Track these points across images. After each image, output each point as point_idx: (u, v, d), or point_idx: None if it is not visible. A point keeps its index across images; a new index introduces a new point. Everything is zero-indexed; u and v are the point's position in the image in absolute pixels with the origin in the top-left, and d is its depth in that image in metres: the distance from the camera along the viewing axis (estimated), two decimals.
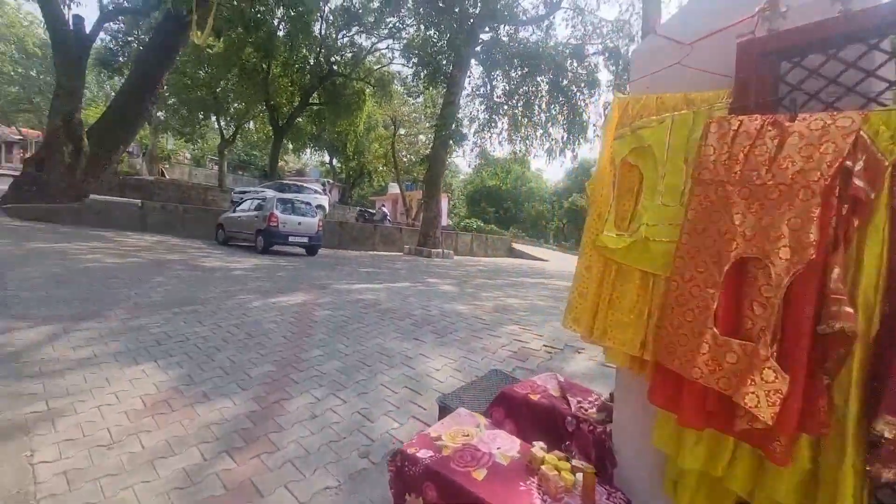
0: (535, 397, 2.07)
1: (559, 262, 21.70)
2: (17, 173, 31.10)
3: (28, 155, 43.95)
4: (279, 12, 18.39)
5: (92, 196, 12.63)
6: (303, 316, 4.76)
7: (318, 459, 2.33)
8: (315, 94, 25.84)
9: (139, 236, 11.04)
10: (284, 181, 23.24)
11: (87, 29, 12.39)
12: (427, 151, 37.55)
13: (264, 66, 22.68)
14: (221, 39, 17.40)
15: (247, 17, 15.43)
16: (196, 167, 44.41)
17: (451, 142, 18.16)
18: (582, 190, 49.12)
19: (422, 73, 21.40)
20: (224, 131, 31.80)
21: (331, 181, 33.21)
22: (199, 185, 28.09)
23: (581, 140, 18.14)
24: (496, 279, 10.06)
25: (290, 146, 35.61)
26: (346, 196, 39.24)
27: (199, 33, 11.74)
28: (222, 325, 4.28)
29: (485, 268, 13.99)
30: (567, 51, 17.45)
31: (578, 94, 17.98)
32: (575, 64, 17.78)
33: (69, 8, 12.02)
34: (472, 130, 20.03)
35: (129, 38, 18.13)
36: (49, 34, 11.99)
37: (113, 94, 34.39)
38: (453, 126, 17.52)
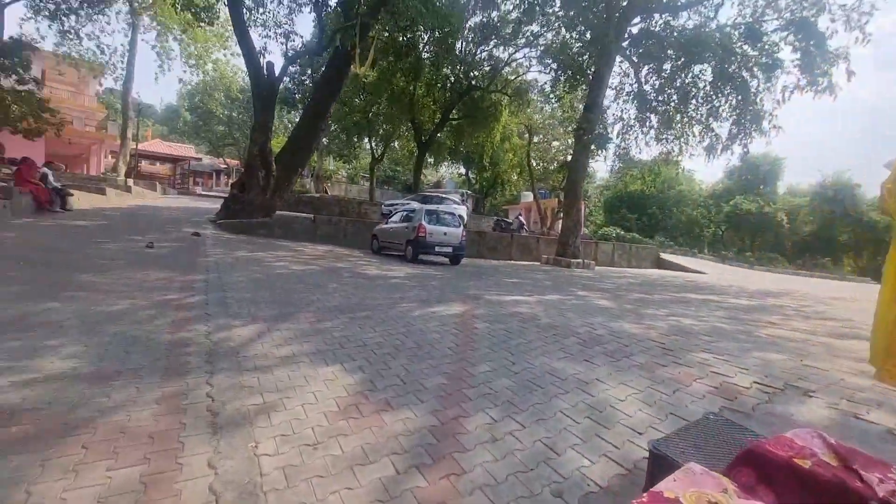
0: (803, 463, 1.58)
1: (721, 275, 18.79)
2: (225, 194, 38.54)
3: (233, 180, 54.95)
4: (425, 37, 19.63)
5: (278, 212, 14.97)
6: (463, 327, 4.76)
7: (509, 491, 2.16)
8: (454, 110, 27.00)
9: (312, 246, 12.67)
10: (426, 193, 24.64)
11: (276, 72, 14.82)
12: (563, 157, 36.28)
13: (411, 88, 24.48)
14: (375, 68, 19.20)
15: (398, 45, 16.78)
16: (351, 184, 50.32)
17: (592, 146, 17.14)
18: (747, 191, 42.16)
19: (561, 78, 20.75)
20: (374, 151, 35.21)
21: (468, 192, 34.23)
22: (354, 200, 31.47)
23: (754, 133, 15.48)
24: (654, 294, 9.00)
25: (431, 160, 37.85)
26: (480, 206, 40.06)
27: (360, 65, 13.11)
28: (392, 332, 4.49)
29: (634, 280, 12.75)
30: (737, 32, 15.12)
31: (751, 79, 15.40)
32: (746, 47, 15.31)
33: (263, 57, 14.54)
34: (616, 132, 18.65)
35: (303, 78, 21.20)
36: (250, 80, 14.69)
37: (290, 125, 40.84)
38: (596, 129, 16.52)
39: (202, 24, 14.70)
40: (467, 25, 22.70)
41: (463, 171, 45.36)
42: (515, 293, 7.38)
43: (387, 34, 17.82)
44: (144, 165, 42.85)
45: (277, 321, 4.65)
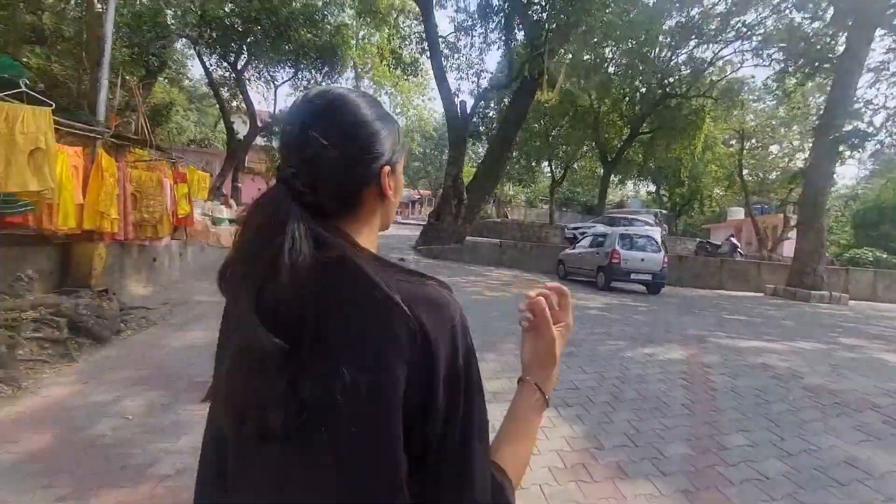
0: None
1: None
2: (422, 223, 42.83)
3: (426, 209, 61.80)
4: (616, 50, 18.62)
5: (467, 237, 15.93)
6: (694, 378, 3.99)
7: None
8: (645, 123, 24.80)
9: (499, 270, 12.98)
10: (613, 215, 23.00)
11: (468, 110, 16.00)
12: (787, 164, 29.50)
13: (595, 106, 23.49)
14: (555, 90, 18.96)
15: (587, 65, 16.29)
16: (529, 207, 50.98)
17: (841, 146, 13.38)
18: None
19: (790, 68, 17.04)
20: (554, 173, 34.86)
21: (661, 211, 30.82)
22: (535, 223, 31.55)
23: None
24: None
25: (616, 179, 35.53)
26: (672, 225, 35.49)
27: (547, 91, 13.11)
28: (605, 375, 4.04)
29: None
30: None
31: None
32: None
33: (457, 97, 15.88)
34: (880, 125, 14.21)
35: (488, 111, 22.27)
36: (446, 119, 16.21)
37: (474, 156, 43.71)
38: (848, 124, 12.88)
39: (408, 78, 16.94)
40: (664, 29, 20.75)
41: (653, 188, 41.13)
42: (751, 336, 6.01)
43: (570, 56, 17.56)
44: None
45: (481, 350, 4.68)
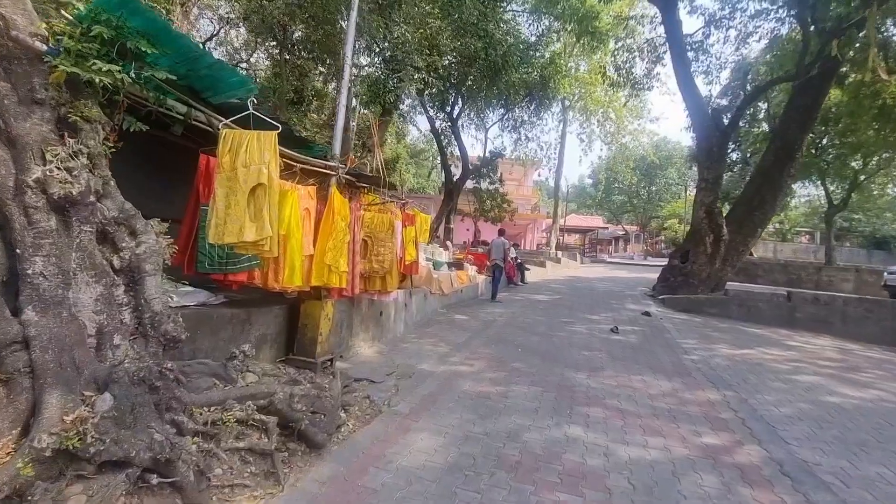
0: None
1: None
2: (629, 262, 37.97)
3: (632, 246, 55.39)
4: None
5: (728, 284, 11.95)
6: None
7: None
8: None
9: (799, 335, 8.83)
10: None
11: (725, 122, 12.38)
12: None
13: None
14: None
15: None
16: (781, 241, 39.79)
17: None
18: None
19: None
20: (830, 195, 26.00)
21: None
22: (802, 263, 23.70)
23: None
24: None
25: None
26: None
27: (880, 68, 8.78)
28: None
29: None
30: None
31: None
32: None
33: (710, 106, 12.45)
34: None
35: (746, 123, 17.57)
36: (695, 133, 12.88)
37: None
38: None
39: (637, 94, 14.35)
40: None
41: None
42: None
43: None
44: (562, 237, 49.31)
45: None
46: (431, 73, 9.58)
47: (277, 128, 3.04)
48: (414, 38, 7.31)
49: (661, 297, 11.78)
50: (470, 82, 18.02)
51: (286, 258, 3.35)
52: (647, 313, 9.65)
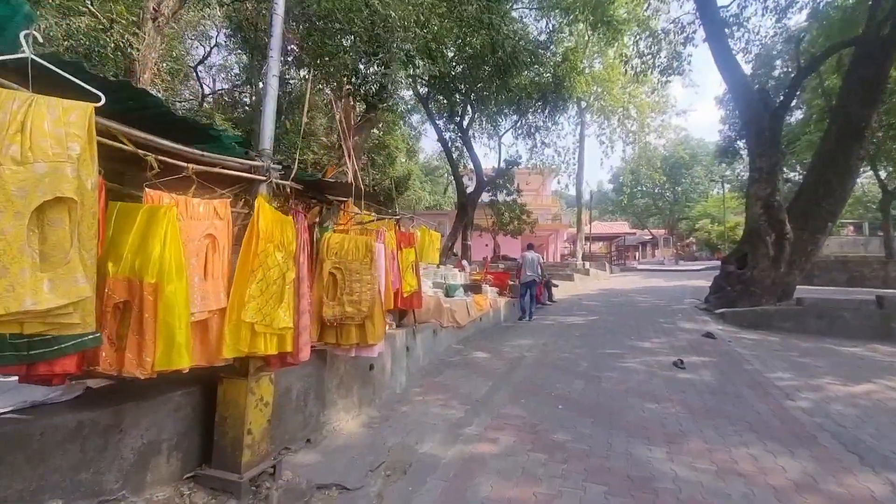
0: None
1: None
2: (660, 267, 35.64)
3: (660, 250, 52.60)
4: None
5: (797, 291, 10.05)
6: None
7: None
8: None
9: None
10: None
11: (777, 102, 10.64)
12: None
13: None
14: None
15: None
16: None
17: None
18: None
19: None
20: (884, 181, 23.46)
21: None
22: (868, 259, 21.19)
23: None
24: None
25: None
26: None
27: None
28: None
29: None
30: None
31: None
32: None
33: (757, 85, 10.74)
34: None
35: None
36: (742, 118, 11.14)
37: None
38: None
39: (667, 81, 12.74)
40: None
41: None
42: None
43: None
44: (587, 246, 47.13)
45: None
46: (427, 61, 8.37)
47: (98, 98, 1.66)
48: (400, 13, 5.97)
49: (718, 311, 9.94)
50: (479, 85, 16.82)
51: (158, 324, 1.95)
52: (709, 335, 7.88)
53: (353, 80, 6.64)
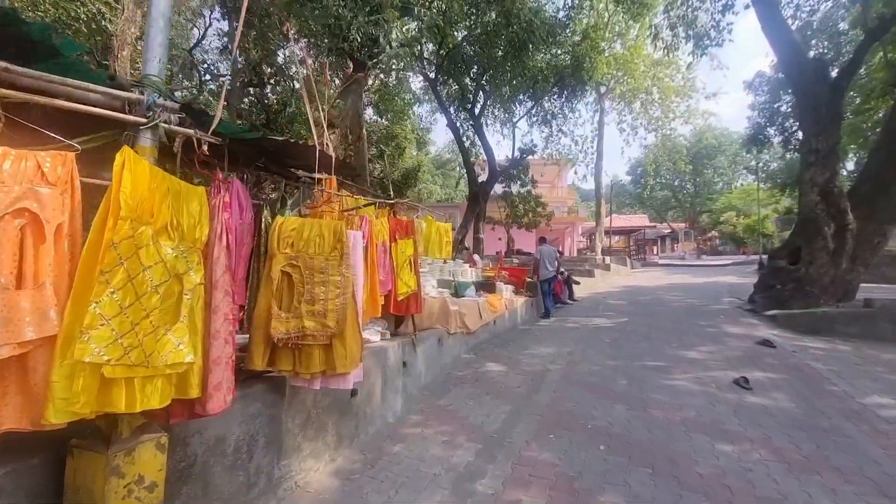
0: None
1: None
2: (679, 262, 33.93)
3: (683, 244, 50.59)
4: None
5: (861, 290, 8.73)
6: None
7: None
8: None
9: None
10: None
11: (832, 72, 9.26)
12: None
13: None
14: None
15: None
16: None
17: None
18: None
19: None
20: None
21: None
22: None
23: None
24: None
25: None
26: None
27: None
28: None
29: None
30: None
31: None
32: None
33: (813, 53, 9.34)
34: None
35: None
36: (793, 89, 9.77)
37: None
38: None
39: (704, 54, 11.35)
40: None
41: None
42: None
43: None
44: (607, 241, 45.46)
45: None
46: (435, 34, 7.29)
47: None
48: None
49: (767, 312, 8.67)
50: (493, 68, 15.66)
51: None
52: (767, 342, 6.66)
53: (335, 30, 5.54)
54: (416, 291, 4.50)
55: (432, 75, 16.17)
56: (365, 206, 4.16)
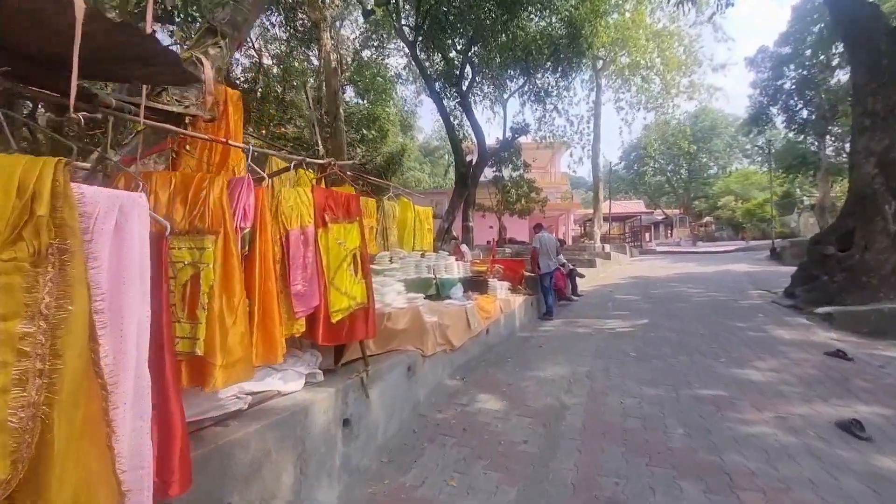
0: None
1: None
2: (676, 249, 32.67)
3: (678, 230, 49.39)
4: None
5: None
6: None
7: None
8: None
9: None
10: None
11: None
12: None
13: None
14: None
15: None
16: None
17: None
18: None
19: None
20: None
21: None
22: None
23: None
24: None
25: None
26: None
27: None
28: None
29: None
30: None
31: None
32: None
33: None
34: None
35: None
36: (843, 37, 8.19)
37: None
38: None
39: (724, 13, 9.69)
40: None
41: None
42: None
43: None
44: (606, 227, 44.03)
45: None
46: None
47: None
48: None
49: (818, 310, 7.14)
50: (482, 32, 13.92)
51: None
52: (841, 354, 5.12)
53: None
54: (365, 306, 2.85)
55: (411, 38, 14.37)
56: (282, 171, 2.50)
